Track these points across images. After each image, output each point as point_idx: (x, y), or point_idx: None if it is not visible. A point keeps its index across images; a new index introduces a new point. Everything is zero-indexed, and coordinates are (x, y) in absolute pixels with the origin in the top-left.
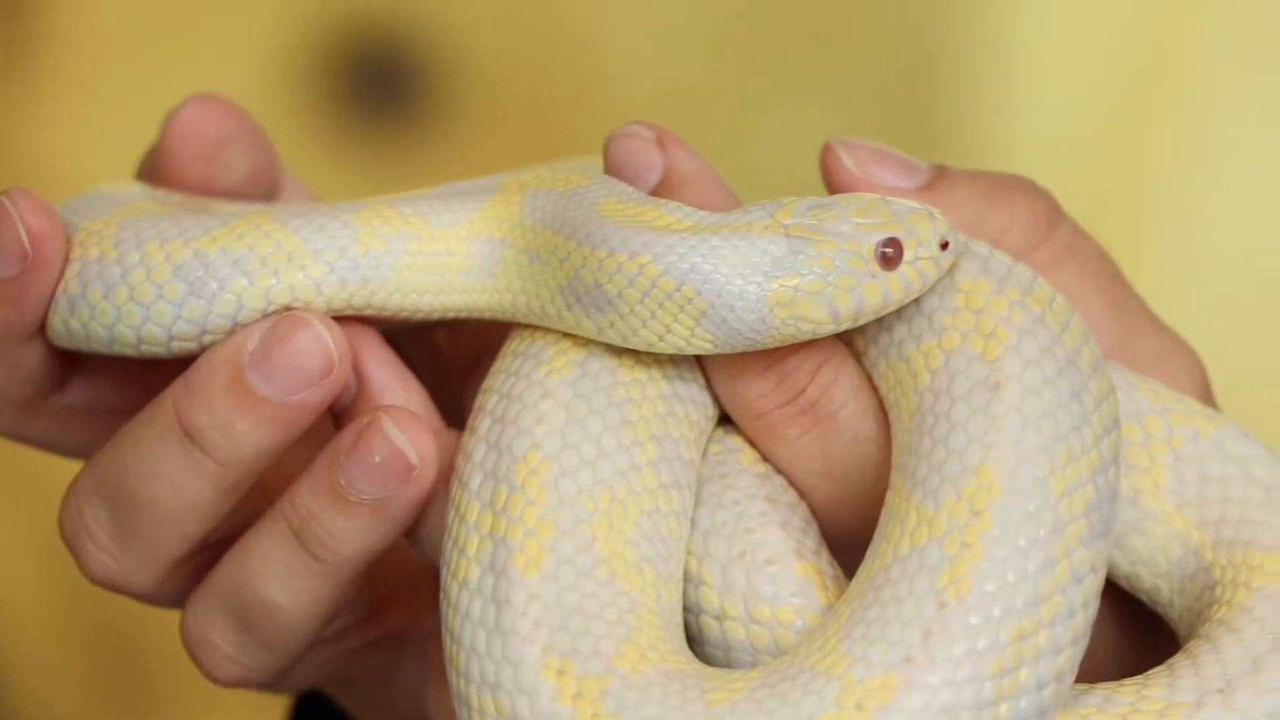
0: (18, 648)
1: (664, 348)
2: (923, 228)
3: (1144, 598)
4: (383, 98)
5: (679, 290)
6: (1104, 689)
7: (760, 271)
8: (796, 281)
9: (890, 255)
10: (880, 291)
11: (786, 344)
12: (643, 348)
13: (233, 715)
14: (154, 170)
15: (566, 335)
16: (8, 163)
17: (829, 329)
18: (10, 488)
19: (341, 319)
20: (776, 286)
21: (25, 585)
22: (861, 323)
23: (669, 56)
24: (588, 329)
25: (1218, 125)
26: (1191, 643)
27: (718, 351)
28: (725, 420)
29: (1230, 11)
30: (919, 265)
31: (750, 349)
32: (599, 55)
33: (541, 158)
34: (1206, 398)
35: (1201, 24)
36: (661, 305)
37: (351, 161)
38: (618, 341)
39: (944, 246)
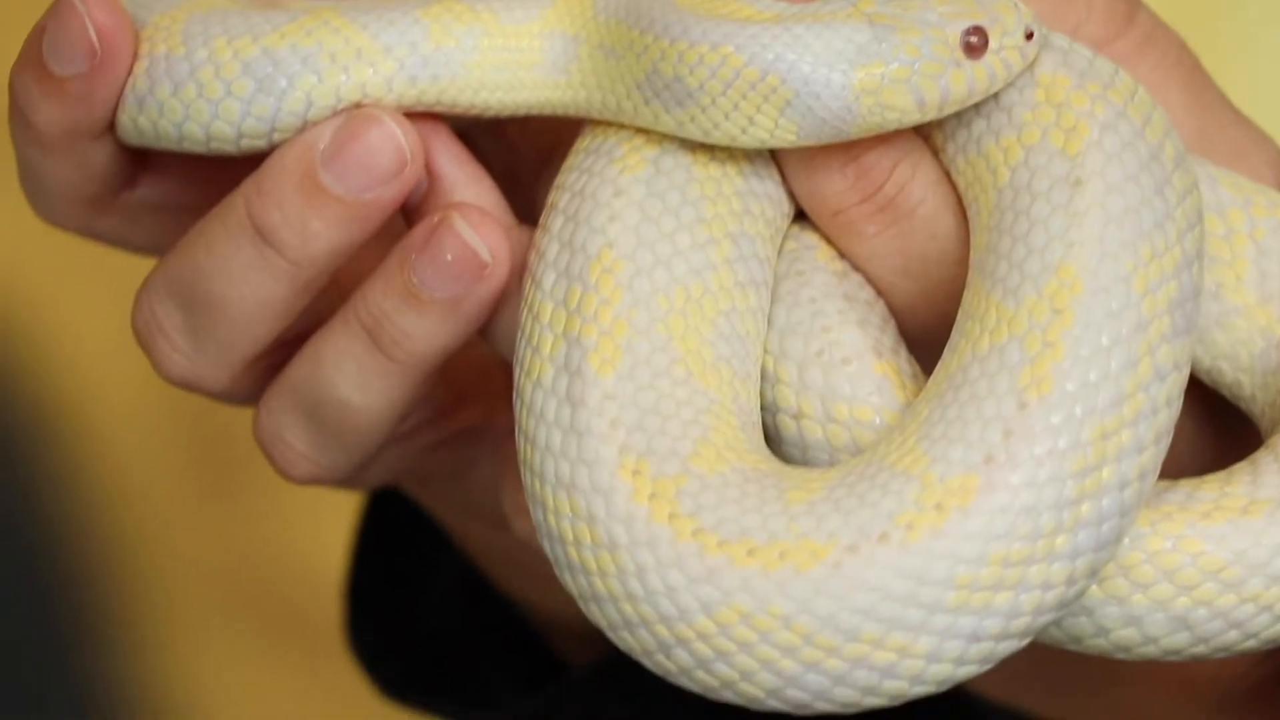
0: (115, 432)
1: (746, 141)
2: (1007, 16)
3: (1225, 393)
4: None
5: (763, 80)
6: (1186, 486)
7: (845, 59)
8: (882, 69)
9: (975, 44)
10: (966, 80)
11: (870, 135)
12: (724, 142)
13: (312, 501)
14: None
15: (640, 132)
16: None
17: (914, 119)
18: (102, 275)
19: (412, 115)
20: (862, 74)
21: (114, 368)
22: (946, 113)
23: None
24: (666, 124)
25: None
26: (1274, 438)
27: (801, 144)
28: (801, 217)
29: None
30: (1004, 55)
31: (834, 140)
32: None
33: None
34: None
35: None
36: (745, 96)
37: None
38: (698, 136)
39: (1029, 36)
